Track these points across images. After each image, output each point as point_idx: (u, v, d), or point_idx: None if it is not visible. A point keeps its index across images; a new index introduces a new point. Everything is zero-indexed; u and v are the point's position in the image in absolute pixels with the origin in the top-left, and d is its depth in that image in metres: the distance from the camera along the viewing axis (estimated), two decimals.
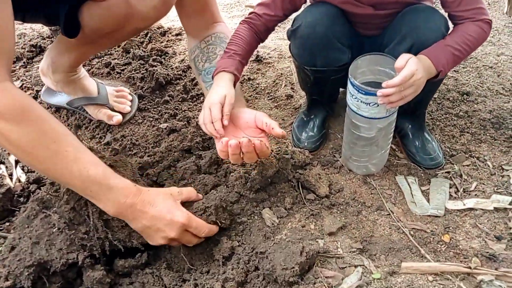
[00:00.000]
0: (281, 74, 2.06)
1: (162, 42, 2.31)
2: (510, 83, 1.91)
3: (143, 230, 1.22)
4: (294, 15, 1.54)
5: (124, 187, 1.19)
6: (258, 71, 2.11)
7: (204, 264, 1.32)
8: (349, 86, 1.35)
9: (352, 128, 1.46)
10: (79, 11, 1.39)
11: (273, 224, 1.41)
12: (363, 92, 1.30)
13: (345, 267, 1.29)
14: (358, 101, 1.34)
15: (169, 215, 1.19)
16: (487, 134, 1.70)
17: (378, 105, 1.31)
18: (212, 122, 1.32)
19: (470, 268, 1.26)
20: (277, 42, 2.24)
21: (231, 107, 1.35)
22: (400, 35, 1.40)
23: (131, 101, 1.91)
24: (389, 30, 1.46)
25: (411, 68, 1.23)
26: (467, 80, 1.94)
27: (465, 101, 1.84)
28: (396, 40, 1.41)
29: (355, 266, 1.29)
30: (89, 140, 1.81)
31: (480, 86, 1.90)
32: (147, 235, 1.24)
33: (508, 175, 1.55)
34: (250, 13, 1.51)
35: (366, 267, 1.29)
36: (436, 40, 1.35)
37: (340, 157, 1.66)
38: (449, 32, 1.39)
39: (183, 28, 2.05)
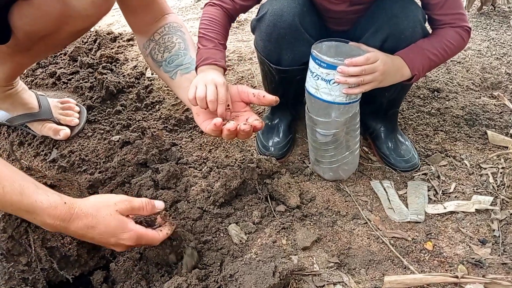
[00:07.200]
0: (242, 77, 1.93)
1: (112, 48, 2.14)
2: (480, 78, 1.84)
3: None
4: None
5: (48, 206, 0.97)
6: None
7: None
8: (310, 63, 1.27)
9: (310, 123, 1.38)
10: (9, 12, 1.21)
11: (241, 241, 1.28)
12: (324, 65, 1.22)
13: (323, 286, 1.18)
14: (318, 78, 1.25)
15: (114, 239, 1.04)
16: (462, 132, 1.62)
17: (338, 84, 1.23)
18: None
19: (457, 277, 1.18)
20: (236, 44, 2.10)
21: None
22: (374, 25, 1.31)
23: (79, 112, 1.73)
24: (363, 21, 1.37)
25: (375, 54, 1.21)
26: (436, 77, 1.86)
27: (436, 98, 1.76)
28: (370, 31, 1.32)
29: (334, 284, 1.18)
30: (33, 158, 1.62)
31: (450, 82, 1.83)
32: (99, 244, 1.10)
33: (487, 174, 1.47)
34: None
35: (346, 284, 1.19)
36: (414, 31, 1.29)
37: (310, 163, 1.54)
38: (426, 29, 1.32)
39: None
